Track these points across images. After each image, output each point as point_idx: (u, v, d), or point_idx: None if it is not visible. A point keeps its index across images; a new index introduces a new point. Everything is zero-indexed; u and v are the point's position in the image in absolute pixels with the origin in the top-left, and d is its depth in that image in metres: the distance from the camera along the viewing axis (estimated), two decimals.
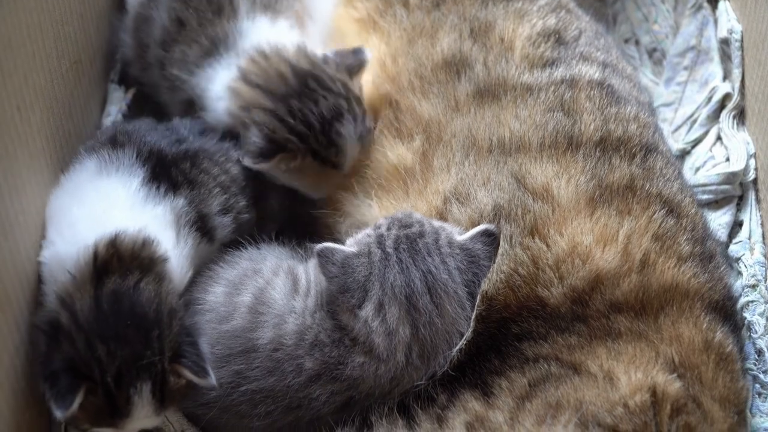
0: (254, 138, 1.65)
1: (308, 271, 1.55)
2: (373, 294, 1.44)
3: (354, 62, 1.71)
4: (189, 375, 1.41)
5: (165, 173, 1.58)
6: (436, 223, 1.52)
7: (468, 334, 1.45)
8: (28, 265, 1.47)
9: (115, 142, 1.61)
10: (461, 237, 1.50)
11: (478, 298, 1.47)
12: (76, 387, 1.33)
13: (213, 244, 1.64)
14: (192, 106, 1.79)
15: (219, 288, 1.55)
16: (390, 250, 1.47)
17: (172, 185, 1.57)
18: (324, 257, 1.47)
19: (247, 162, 1.66)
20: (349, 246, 1.51)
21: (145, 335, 1.38)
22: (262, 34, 1.76)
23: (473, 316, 1.46)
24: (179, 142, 1.66)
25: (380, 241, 1.49)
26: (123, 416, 1.38)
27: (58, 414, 1.32)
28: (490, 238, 1.48)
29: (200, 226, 1.60)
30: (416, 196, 1.64)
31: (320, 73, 1.67)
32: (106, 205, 1.51)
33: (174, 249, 1.52)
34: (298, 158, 1.66)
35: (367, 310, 1.44)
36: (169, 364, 1.39)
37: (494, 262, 1.48)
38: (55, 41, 1.63)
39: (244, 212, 1.68)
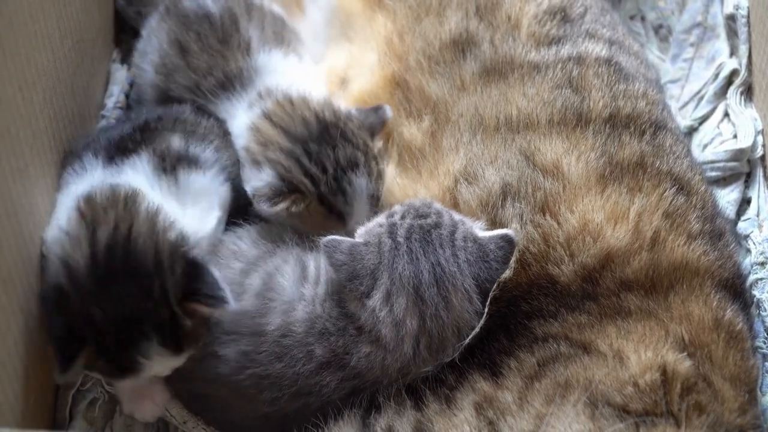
0: (267, 177, 1.61)
1: (318, 259, 1.54)
2: (382, 283, 1.43)
3: (375, 121, 1.69)
4: (204, 309, 1.40)
5: (118, 151, 1.55)
6: (457, 217, 1.50)
7: (477, 328, 1.44)
8: (31, 245, 1.47)
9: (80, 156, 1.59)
10: (481, 234, 1.48)
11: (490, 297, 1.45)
12: (75, 352, 1.33)
13: (205, 171, 1.60)
14: None
15: (238, 264, 1.55)
16: (401, 240, 1.45)
17: (127, 151, 1.55)
18: (330, 248, 1.45)
19: (262, 205, 1.60)
20: (359, 237, 1.49)
21: (144, 288, 1.36)
22: (278, 70, 1.75)
23: (485, 313, 1.44)
24: (127, 121, 1.66)
25: (392, 230, 1.47)
26: (134, 372, 1.37)
27: (56, 377, 1.36)
28: (508, 244, 1.45)
29: (182, 157, 1.57)
30: (428, 177, 1.64)
31: (342, 125, 1.65)
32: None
33: (162, 194, 1.51)
34: (306, 201, 1.62)
35: (375, 299, 1.43)
36: (180, 305, 1.37)
37: (508, 268, 1.46)
38: (58, 21, 1.63)
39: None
